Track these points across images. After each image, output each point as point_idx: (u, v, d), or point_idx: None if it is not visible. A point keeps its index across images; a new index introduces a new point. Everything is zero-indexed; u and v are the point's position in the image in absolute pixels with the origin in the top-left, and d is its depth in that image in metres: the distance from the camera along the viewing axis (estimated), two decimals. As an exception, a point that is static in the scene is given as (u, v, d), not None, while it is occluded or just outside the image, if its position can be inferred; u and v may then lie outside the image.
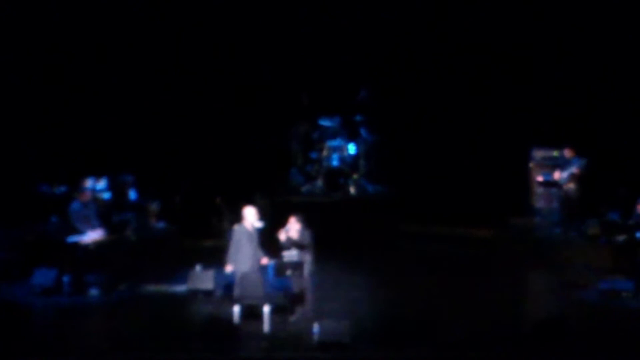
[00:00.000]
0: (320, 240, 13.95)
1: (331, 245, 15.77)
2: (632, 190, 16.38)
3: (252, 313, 13.13)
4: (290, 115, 20.56)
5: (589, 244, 16.79)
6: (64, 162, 18.91)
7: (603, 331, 13.25)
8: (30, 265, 15.52)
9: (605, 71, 19.57)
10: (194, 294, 14.91)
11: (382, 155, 20.50)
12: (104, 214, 16.27)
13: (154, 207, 18.65)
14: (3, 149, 19.17)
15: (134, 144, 20.16)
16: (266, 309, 12.95)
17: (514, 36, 20.31)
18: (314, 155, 20.37)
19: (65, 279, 15.07)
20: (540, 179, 18.19)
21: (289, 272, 13.23)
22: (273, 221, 14.69)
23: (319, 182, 20.05)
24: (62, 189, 17.53)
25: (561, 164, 17.93)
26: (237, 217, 13.84)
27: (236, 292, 13.23)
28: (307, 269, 13.50)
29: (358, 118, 20.52)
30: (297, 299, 13.51)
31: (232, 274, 13.51)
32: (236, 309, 13.15)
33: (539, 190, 18.41)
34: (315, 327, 12.37)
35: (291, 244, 13.64)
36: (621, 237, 15.74)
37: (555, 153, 18.32)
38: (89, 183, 16.54)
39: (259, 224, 13.64)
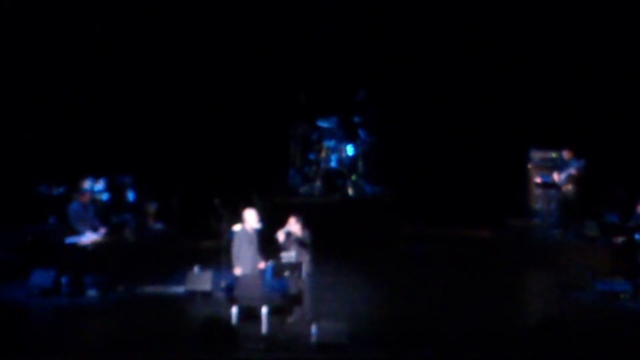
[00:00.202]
0: (318, 241, 13.92)
1: (329, 246, 15.76)
2: (630, 192, 16.38)
3: (250, 314, 13.11)
4: (288, 116, 20.54)
5: (587, 246, 16.77)
6: (63, 163, 18.91)
7: (601, 332, 13.26)
8: (28, 266, 15.54)
9: (604, 73, 19.55)
10: (192, 294, 14.92)
11: (380, 156, 20.48)
12: (102, 215, 16.28)
13: (152, 208, 18.70)
14: (2, 149, 19.17)
15: (132, 145, 20.18)
16: (264, 310, 12.93)
17: (513, 37, 20.30)
18: (312, 156, 20.34)
19: (64, 279, 15.08)
20: (538, 180, 18.17)
21: (287, 273, 13.21)
22: (271, 222, 14.68)
23: (317, 183, 20.01)
24: (61, 189, 17.56)
25: (559, 166, 17.92)
26: (236, 218, 13.83)
27: (234, 293, 13.24)
28: (305, 270, 13.48)
29: (356, 119, 20.49)
30: (295, 300, 13.49)
31: (230, 275, 13.52)
32: (234, 310, 13.15)
33: (537, 191, 18.41)
34: (313, 328, 12.39)
35: (294, 240, 13.59)
36: (620, 239, 15.73)
37: (553, 154, 18.32)
38: (87, 184, 16.56)
39: (257, 225, 13.65)
